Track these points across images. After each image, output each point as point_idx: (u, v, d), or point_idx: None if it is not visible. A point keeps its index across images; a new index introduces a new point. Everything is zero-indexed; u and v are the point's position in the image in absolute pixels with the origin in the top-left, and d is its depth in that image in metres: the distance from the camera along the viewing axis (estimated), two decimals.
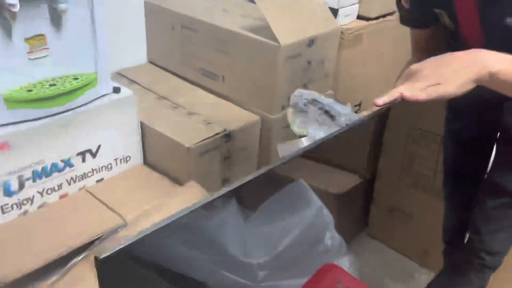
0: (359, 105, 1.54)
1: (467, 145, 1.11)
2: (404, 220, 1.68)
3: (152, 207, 1.08)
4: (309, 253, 1.30)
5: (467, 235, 1.21)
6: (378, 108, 0.68)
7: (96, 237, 1.03)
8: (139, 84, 1.43)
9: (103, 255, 0.54)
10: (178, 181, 1.20)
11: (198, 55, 1.39)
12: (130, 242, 0.56)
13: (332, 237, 1.35)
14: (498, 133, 1.02)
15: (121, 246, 0.55)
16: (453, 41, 0.90)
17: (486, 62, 0.63)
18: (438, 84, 0.63)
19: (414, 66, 0.67)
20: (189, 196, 1.12)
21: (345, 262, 1.40)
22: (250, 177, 0.70)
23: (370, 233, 1.83)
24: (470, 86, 0.63)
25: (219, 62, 1.34)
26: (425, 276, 1.67)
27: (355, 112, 1.53)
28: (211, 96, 1.39)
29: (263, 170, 0.71)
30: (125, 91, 1.18)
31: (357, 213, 1.79)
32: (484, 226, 1.06)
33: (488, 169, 1.09)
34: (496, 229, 1.05)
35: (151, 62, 1.57)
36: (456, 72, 0.63)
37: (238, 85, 1.33)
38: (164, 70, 1.53)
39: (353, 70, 1.44)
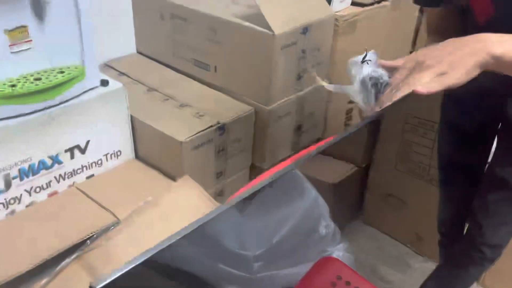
0: None
1: (465, 135, 1.08)
2: (398, 206, 1.68)
3: (146, 203, 1.05)
4: (304, 242, 1.29)
5: (466, 228, 1.20)
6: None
7: (87, 236, 0.99)
8: (127, 76, 1.39)
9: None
10: (171, 176, 1.17)
11: (189, 45, 1.35)
12: (128, 268, 0.53)
13: (326, 226, 1.33)
14: (500, 124, 0.99)
15: (117, 275, 0.52)
16: (463, 19, 0.88)
17: (489, 46, 0.61)
18: (444, 73, 0.61)
19: (421, 55, 0.64)
20: (184, 192, 1.09)
21: (339, 249, 1.39)
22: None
23: (364, 219, 1.83)
24: (475, 73, 0.61)
25: (211, 52, 1.30)
26: (418, 262, 1.68)
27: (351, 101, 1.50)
28: (203, 87, 1.35)
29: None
30: (114, 84, 1.13)
31: (351, 201, 1.79)
32: (485, 220, 1.05)
33: (489, 161, 1.07)
34: (497, 223, 1.04)
35: (140, 53, 1.53)
36: (461, 60, 0.61)
37: (231, 76, 1.29)
38: (154, 60, 1.48)
39: (348, 57, 1.40)
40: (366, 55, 0.73)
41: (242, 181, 1.34)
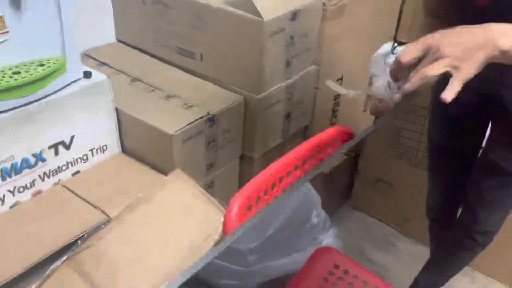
0: (341, 79, 1.49)
1: (457, 121, 1.07)
2: (386, 190, 1.69)
3: (137, 200, 1.02)
4: (296, 232, 1.28)
5: (458, 214, 1.20)
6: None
7: (78, 236, 0.95)
8: (109, 66, 1.33)
9: None
10: (161, 170, 1.13)
11: (172, 32, 1.30)
12: None
13: (318, 215, 1.33)
14: (493, 109, 0.99)
15: None
16: (460, 2, 0.86)
17: (498, 39, 0.60)
18: (456, 67, 0.60)
19: (432, 42, 0.62)
20: (177, 187, 1.05)
21: (329, 235, 1.39)
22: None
23: (352, 204, 1.84)
24: (482, 66, 0.61)
25: (196, 40, 1.25)
26: (405, 244, 1.70)
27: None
28: (189, 77, 1.30)
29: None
30: (98, 75, 1.08)
31: (341, 188, 1.79)
32: (479, 207, 1.05)
33: (482, 146, 1.07)
34: (491, 210, 1.04)
35: (120, 41, 1.46)
36: (471, 53, 0.60)
37: (218, 64, 1.25)
38: (135, 49, 1.42)
39: (336, 43, 1.38)
40: (394, 46, 0.69)
41: (232, 172, 1.32)
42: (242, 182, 1.36)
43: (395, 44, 0.70)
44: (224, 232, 0.63)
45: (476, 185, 1.06)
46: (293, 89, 1.31)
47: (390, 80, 0.67)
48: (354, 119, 1.67)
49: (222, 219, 1.04)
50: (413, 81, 0.61)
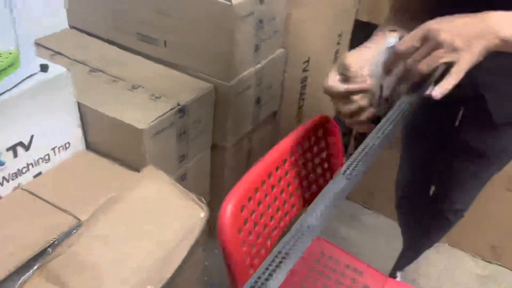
0: (308, 61, 1.47)
1: (429, 100, 1.08)
2: None
3: (109, 200, 0.96)
4: None
5: (430, 193, 1.22)
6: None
7: (48, 244, 0.88)
8: (64, 56, 1.23)
9: None
10: (130, 166, 1.07)
11: (133, 17, 1.21)
12: None
13: None
14: (466, 90, 1.00)
15: None
16: None
17: (498, 28, 0.59)
18: (454, 57, 0.59)
19: (429, 31, 0.60)
20: (150, 183, 1.00)
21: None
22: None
23: None
24: (482, 57, 0.60)
25: (160, 25, 1.18)
26: (371, 218, 1.74)
27: (305, 69, 1.47)
28: (153, 65, 1.23)
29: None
30: (56, 68, 0.99)
31: None
32: (451, 187, 1.07)
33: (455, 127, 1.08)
34: (463, 189, 1.07)
35: (73, 27, 1.36)
36: (470, 43, 0.59)
37: (184, 51, 1.19)
38: (91, 36, 1.33)
39: (302, 25, 1.36)
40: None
41: (204, 163, 1.28)
42: (214, 172, 1.33)
43: (402, 36, 0.67)
44: (219, 236, 0.60)
45: (449, 165, 1.08)
46: (262, 74, 1.28)
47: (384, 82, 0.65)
48: (320, 101, 1.66)
49: (202, 215, 1.01)
50: (412, 77, 0.60)
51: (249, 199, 0.65)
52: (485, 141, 1.00)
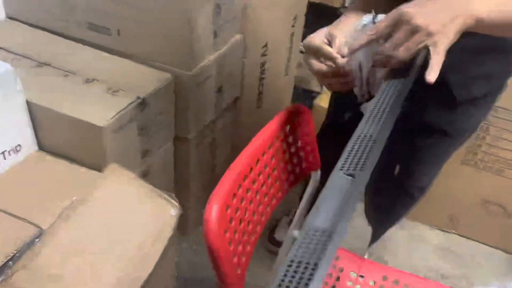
0: (266, 46, 1.44)
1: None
2: None
3: (71, 204, 0.89)
4: None
5: (396, 172, 1.25)
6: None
7: (8, 257, 0.81)
8: (5, 50, 1.12)
9: None
10: (91, 166, 1.00)
11: (80, 4, 1.13)
12: None
13: None
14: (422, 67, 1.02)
15: None
16: None
17: (473, 8, 0.59)
18: (430, 41, 0.58)
19: (402, 14, 0.59)
20: (116, 183, 0.95)
21: None
22: None
23: None
24: (457, 37, 0.60)
25: (112, 13, 1.10)
26: None
27: (264, 54, 1.44)
28: (107, 56, 1.16)
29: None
30: None
31: None
32: (415, 165, 1.09)
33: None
34: (426, 166, 1.09)
35: (12, 18, 1.24)
36: (444, 25, 0.58)
37: (140, 40, 1.12)
38: (33, 27, 1.22)
39: (258, 9, 1.32)
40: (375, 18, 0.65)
41: (168, 156, 1.23)
42: (178, 165, 1.28)
43: (375, 15, 0.67)
44: (206, 239, 0.57)
45: (412, 144, 1.10)
46: (222, 61, 1.24)
47: (364, 59, 0.64)
48: (278, 85, 1.64)
49: (173, 212, 0.97)
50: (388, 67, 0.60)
51: (233, 196, 0.62)
52: (447, 119, 1.03)
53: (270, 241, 1.52)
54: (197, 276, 1.39)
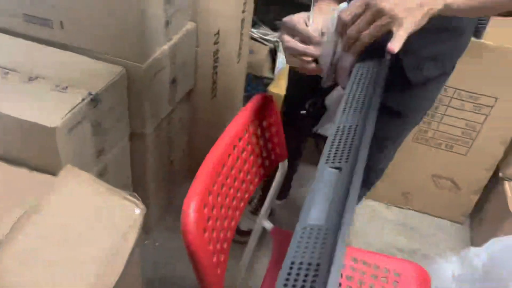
0: (218, 33, 1.40)
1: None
2: None
3: (27, 212, 0.83)
4: None
5: None
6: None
7: None
8: None
9: None
10: (43, 169, 0.94)
11: None
12: None
13: None
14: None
15: None
16: None
17: None
18: (396, 22, 0.58)
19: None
20: (73, 186, 0.89)
21: None
22: None
23: None
24: (424, 22, 0.60)
25: (53, 4, 1.02)
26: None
27: (216, 41, 1.40)
28: (51, 50, 1.07)
29: None
30: None
31: None
32: (374, 148, 1.12)
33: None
34: (383, 149, 1.11)
35: None
36: (410, 10, 0.59)
37: (86, 32, 1.05)
38: None
39: None
40: None
41: (124, 153, 1.17)
42: (135, 162, 1.23)
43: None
44: (185, 240, 0.54)
45: None
46: (175, 51, 1.19)
47: (336, 49, 0.64)
48: (231, 73, 1.61)
49: (137, 211, 0.92)
50: (353, 50, 0.60)
51: (209, 193, 0.59)
52: (402, 101, 1.05)
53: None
54: (160, 274, 1.35)
